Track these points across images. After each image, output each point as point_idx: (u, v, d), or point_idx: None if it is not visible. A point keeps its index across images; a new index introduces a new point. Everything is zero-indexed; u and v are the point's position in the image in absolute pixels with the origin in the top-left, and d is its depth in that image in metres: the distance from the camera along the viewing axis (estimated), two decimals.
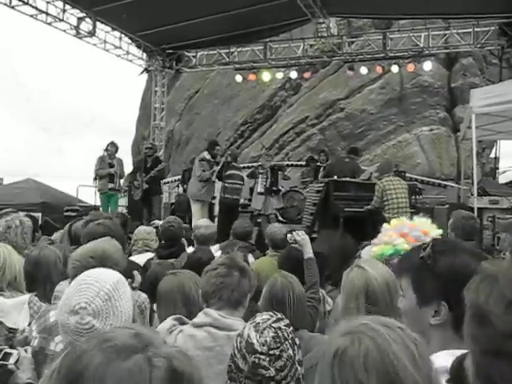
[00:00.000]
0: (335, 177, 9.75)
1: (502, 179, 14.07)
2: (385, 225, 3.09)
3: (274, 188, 10.30)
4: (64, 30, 12.17)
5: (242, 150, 19.63)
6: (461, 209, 6.27)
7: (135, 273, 2.93)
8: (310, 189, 9.89)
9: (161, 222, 6.38)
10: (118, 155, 11.24)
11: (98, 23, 12.63)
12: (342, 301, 2.45)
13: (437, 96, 18.38)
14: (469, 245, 1.63)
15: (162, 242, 5.21)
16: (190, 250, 5.20)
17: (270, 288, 2.80)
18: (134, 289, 2.35)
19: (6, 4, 10.69)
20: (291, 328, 1.82)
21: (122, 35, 13.76)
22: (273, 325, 1.77)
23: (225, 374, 1.81)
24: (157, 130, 15.47)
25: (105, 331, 0.98)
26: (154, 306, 3.34)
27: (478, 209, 7.94)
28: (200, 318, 2.31)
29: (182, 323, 2.37)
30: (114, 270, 1.94)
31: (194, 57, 15.19)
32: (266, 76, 14.22)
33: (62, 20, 11.84)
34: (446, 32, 13.17)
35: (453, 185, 15.44)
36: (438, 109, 18.40)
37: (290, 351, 1.73)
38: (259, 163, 10.72)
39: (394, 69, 13.35)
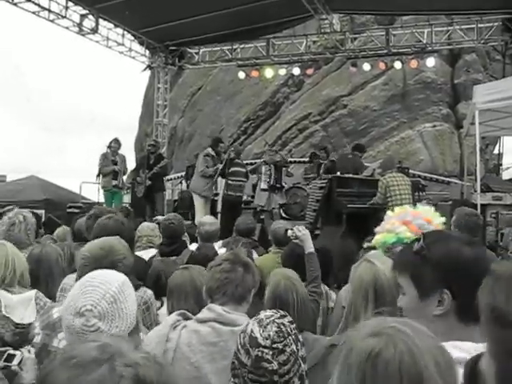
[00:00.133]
0: (338, 173, 9.75)
1: (506, 175, 14.07)
2: (388, 212, 3.08)
3: (278, 185, 10.32)
4: (67, 27, 12.19)
5: (245, 146, 19.63)
6: (464, 205, 6.27)
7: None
8: (312, 185, 9.88)
9: (162, 218, 6.38)
10: (120, 152, 11.27)
11: (100, 20, 12.64)
12: (350, 294, 2.45)
13: (440, 92, 18.35)
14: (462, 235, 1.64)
15: (164, 239, 5.21)
16: (193, 246, 5.20)
17: (274, 289, 2.79)
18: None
19: (8, 1, 10.70)
20: (294, 324, 1.83)
21: (125, 32, 13.77)
22: (276, 320, 1.78)
23: (229, 370, 1.81)
24: (159, 127, 15.48)
25: (71, 347, 0.96)
26: (157, 303, 3.36)
27: (482, 205, 7.94)
28: (204, 313, 2.32)
29: (186, 318, 2.37)
30: (118, 269, 1.95)
31: (196, 53, 15.18)
32: (268, 72, 14.21)
33: (64, 17, 11.85)
34: (449, 28, 13.13)
35: (456, 181, 15.43)
36: (441, 105, 18.37)
37: (294, 346, 1.74)
38: (262, 159, 10.71)
39: (397, 65, 13.31)
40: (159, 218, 7.06)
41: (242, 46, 14.54)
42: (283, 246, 4.62)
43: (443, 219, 2.87)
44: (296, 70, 14.41)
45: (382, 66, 13.53)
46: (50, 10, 11.50)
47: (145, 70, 15.38)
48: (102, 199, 11.30)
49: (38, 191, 13.18)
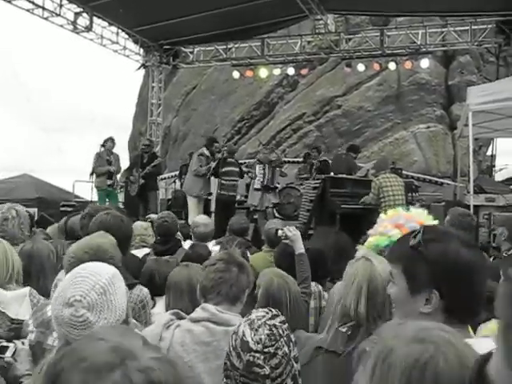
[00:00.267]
0: (331, 173, 9.76)
1: (499, 177, 14.10)
2: (381, 215, 3.08)
3: (271, 185, 10.32)
4: (61, 25, 12.14)
5: (239, 146, 19.61)
6: (457, 206, 6.28)
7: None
8: (306, 185, 9.89)
9: (156, 217, 6.37)
10: (114, 151, 11.23)
11: (94, 18, 12.61)
12: (342, 289, 2.44)
13: (434, 93, 18.41)
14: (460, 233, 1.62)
15: (158, 237, 5.20)
16: (187, 244, 5.20)
17: (267, 288, 2.79)
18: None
19: None
20: (287, 324, 1.82)
21: (119, 30, 13.74)
22: (268, 322, 1.76)
23: (222, 370, 1.81)
24: (154, 126, 15.45)
25: (80, 345, 0.94)
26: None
27: (474, 206, 7.97)
28: (197, 312, 2.31)
29: (180, 318, 2.37)
30: (109, 265, 1.94)
31: (191, 53, 15.16)
32: (263, 72, 14.21)
33: (58, 15, 11.81)
34: (444, 30, 13.17)
35: (449, 182, 15.47)
36: (435, 106, 18.42)
37: (286, 348, 1.73)
38: (257, 158, 10.71)
39: (392, 66, 13.35)
40: (152, 216, 7.03)
41: (236, 45, 14.53)
42: (276, 246, 4.62)
43: (436, 222, 2.87)
44: (290, 70, 14.42)
45: (376, 66, 13.56)
46: (44, 8, 11.47)
47: (139, 68, 15.35)
48: (95, 198, 11.26)
49: (30, 189, 13.12)
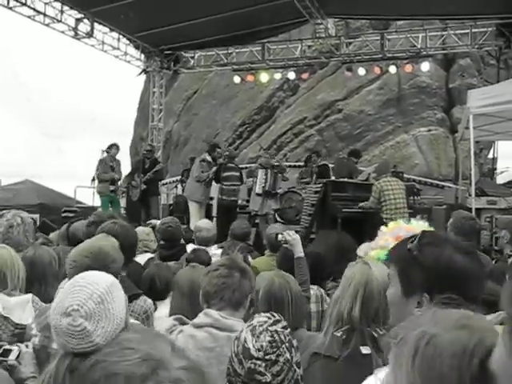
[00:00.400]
0: (333, 177, 9.77)
1: (500, 180, 14.13)
2: (382, 228, 3.08)
3: (273, 191, 10.29)
4: (62, 31, 12.17)
5: (241, 150, 19.64)
6: (460, 209, 6.28)
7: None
8: (308, 189, 9.89)
9: (158, 222, 6.38)
10: (117, 157, 11.26)
11: (95, 24, 12.64)
12: (338, 291, 2.45)
13: (435, 97, 18.41)
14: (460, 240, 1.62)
15: (162, 242, 5.21)
16: (188, 248, 5.21)
17: (268, 288, 2.79)
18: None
19: (3, 5, 10.69)
20: (288, 330, 1.81)
21: (120, 36, 13.76)
22: (269, 328, 1.76)
23: (225, 375, 1.81)
24: (155, 131, 15.47)
25: (112, 359, 0.93)
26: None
27: (476, 209, 7.96)
28: (200, 318, 2.32)
29: (183, 323, 2.37)
30: (108, 273, 1.94)
31: (192, 58, 15.18)
32: (264, 77, 14.23)
33: (59, 21, 11.85)
34: (444, 33, 13.18)
35: (451, 185, 15.46)
36: (436, 109, 18.42)
37: (287, 355, 1.72)
38: (259, 163, 10.70)
39: (392, 69, 13.36)
40: (153, 221, 7.04)
41: (237, 50, 14.55)
42: (277, 251, 4.62)
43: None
44: (291, 75, 14.44)
45: (376, 70, 13.57)
46: (45, 14, 11.50)
47: (140, 74, 15.38)
48: (96, 203, 11.27)
49: (32, 195, 13.13)
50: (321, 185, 9.18)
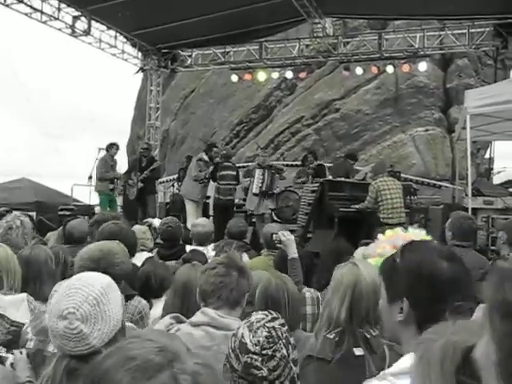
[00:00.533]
0: (330, 177, 9.77)
1: (497, 180, 14.11)
2: (379, 236, 3.09)
3: (270, 191, 10.28)
4: (59, 29, 12.14)
5: (238, 149, 19.64)
6: (457, 209, 6.29)
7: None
8: (305, 189, 9.89)
9: (154, 220, 6.38)
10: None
11: (93, 22, 12.60)
12: (328, 294, 2.45)
13: (432, 97, 18.43)
14: (448, 247, 1.58)
15: (161, 242, 5.21)
16: (187, 248, 5.21)
17: (265, 289, 2.79)
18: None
19: (0, 2, 10.66)
20: (286, 327, 1.82)
21: (118, 34, 13.73)
22: (267, 324, 1.77)
23: (221, 373, 1.81)
24: (152, 130, 15.45)
25: (128, 345, 0.94)
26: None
27: (473, 209, 7.97)
28: (198, 317, 2.31)
29: (180, 322, 2.37)
30: (114, 272, 1.96)
31: (189, 56, 15.16)
32: (261, 76, 14.22)
33: (57, 19, 11.81)
34: (441, 33, 13.19)
35: (447, 185, 15.48)
36: (433, 109, 18.44)
37: (284, 351, 1.72)
38: (256, 162, 10.69)
39: (390, 69, 13.36)
40: (150, 220, 7.04)
41: (234, 49, 14.54)
42: (274, 249, 4.62)
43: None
44: (289, 74, 14.43)
45: (374, 70, 13.57)
46: (42, 12, 11.46)
47: (137, 72, 15.35)
48: (93, 202, 11.25)
49: (29, 193, 13.09)
50: (318, 184, 9.19)
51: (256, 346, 1.70)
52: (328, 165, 11.44)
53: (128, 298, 2.88)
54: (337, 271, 2.47)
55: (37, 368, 2.12)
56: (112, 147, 11.10)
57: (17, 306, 2.76)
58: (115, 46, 13.90)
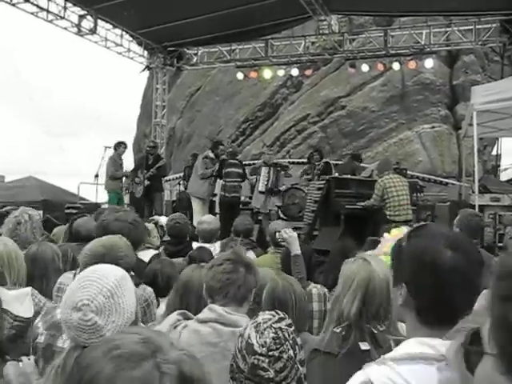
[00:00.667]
0: (336, 174, 9.77)
1: (504, 176, 14.07)
2: (385, 234, 3.09)
3: (276, 189, 10.29)
4: (65, 28, 12.18)
5: (244, 147, 19.65)
6: (464, 206, 6.28)
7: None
8: (311, 186, 9.89)
9: (161, 218, 6.39)
10: None
11: (99, 21, 12.64)
12: (339, 289, 2.44)
13: (438, 93, 18.37)
14: (459, 235, 1.54)
15: (168, 238, 5.22)
16: (194, 245, 5.21)
17: (272, 290, 2.78)
18: None
19: (7, 2, 10.70)
20: (293, 327, 1.82)
21: (123, 33, 13.77)
22: (273, 325, 1.77)
23: (229, 370, 1.81)
24: (158, 128, 15.47)
25: (113, 337, 0.97)
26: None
27: (480, 206, 7.95)
28: (205, 313, 2.32)
29: (187, 318, 2.37)
30: (119, 266, 1.96)
31: (195, 54, 15.18)
32: (267, 73, 14.21)
33: (63, 18, 11.85)
34: (448, 29, 13.14)
35: (454, 182, 15.44)
36: (440, 106, 18.38)
37: (291, 352, 1.72)
38: (262, 160, 10.69)
39: (396, 66, 13.32)
40: (156, 217, 7.05)
41: (240, 46, 14.53)
42: (281, 247, 4.63)
43: None
44: (294, 71, 14.40)
45: (380, 67, 13.53)
46: (48, 11, 11.50)
47: (143, 70, 15.38)
48: (100, 200, 11.29)
49: (36, 192, 13.15)
50: (324, 181, 9.18)
51: (263, 347, 1.70)
52: (334, 162, 11.43)
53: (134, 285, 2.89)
54: (346, 266, 2.45)
55: (46, 362, 2.14)
56: (120, 146, 11.17)
57: (21, 300, 2.78)
58: (121, 45, 13.94)
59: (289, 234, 3.94)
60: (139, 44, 14.47)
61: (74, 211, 10.60)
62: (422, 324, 1.38)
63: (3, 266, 2.86)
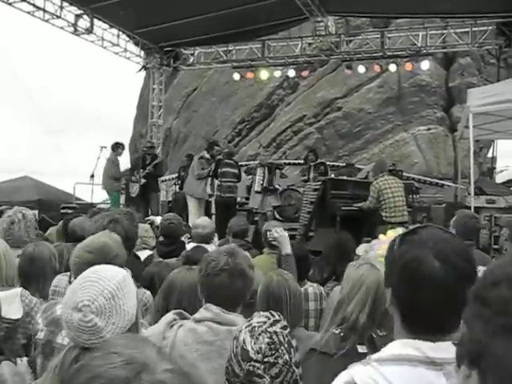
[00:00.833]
0: (332, 175, 9.77)
1: (499, 179, 14.13)
2: (381, 236, 3.07)
3: (271, 187, 10.31)
4: (62, 27, 12.16)
5: (240, 148, 19.64)
6: (459, 208, 6.29)
7: None
8: (307, 187, 9.90)
9: (156, 218, 6.38)
10: None
11: (95, 20, 12.62)
12: (345, 293, 2.42)
13: (434, 95, 18.41)
14: (453, 243, 1.46)
15: (162, 238, 5.19)
16: (188, 246, 5.19)
17: (266, 286, 2.78)
18: None
19: (3, 1, 10.67)
20: (288, 330, 1.81)
21: (120, 32, 13.75)
22: (268, 329, 1.75)
23: (224, 369, 1.81)
24: (154, 128, 15.46)
25: (93, 363, 0.92)
26: None
27: (475, 208, 7.96)
28: (201, 313, 2.31)
29: (183, 318, 2.36)
30: (117, 267, 1.96)
31: (191, 54, 15.17)
32: (263, 74, 14.22)
33: (59, 17, 11.83)
34: (444, 31, 13.18)
35: (450, 184, 15.47)
36: (436, 108, 18.42)
37: (286, 356, 1.71)
38: (258, 162, 10.71)
39: (392, 68, 13.35)
40: (152, 218, 7.05)
41: (237, 47, 14.54)
42: (275, 247, 4.61)
43: None
44: (291, 72, 14.41)
45: (376, 68, 13.56)
46: (44, 10, 11.48)
47: (140, 70, 15.37)
48: (95, 200, 11.27)
49: (31, 192, 13.11)
50: (320, 182, 9.19)
51: (258, 353, 1.69)
52: (330, 163, 11.45)
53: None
54: (352, 271, 2.43)
55: (45, 358, 2.14)
56: (118, 147, 11.19)
57: (9, 302, 2.75)
58: (118, 45, 13.92)
59: (279, 234, 3.93)
60: (136, 44, 14.46)
61: (70, 211, 10.58)
62: (407, 329, 1.37)
63: (4, 266, 2.85)
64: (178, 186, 12.76)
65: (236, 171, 10.16)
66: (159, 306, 2.68)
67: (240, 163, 11.27)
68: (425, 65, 13.11)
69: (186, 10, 11.89)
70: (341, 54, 13.96)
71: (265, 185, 10.23)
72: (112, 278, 1.77)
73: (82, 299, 1.69)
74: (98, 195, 11.55)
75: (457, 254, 1.35)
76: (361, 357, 2.17)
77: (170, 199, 13.43)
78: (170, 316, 2.37)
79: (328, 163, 11.85)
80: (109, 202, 11.80)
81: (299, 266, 3.83)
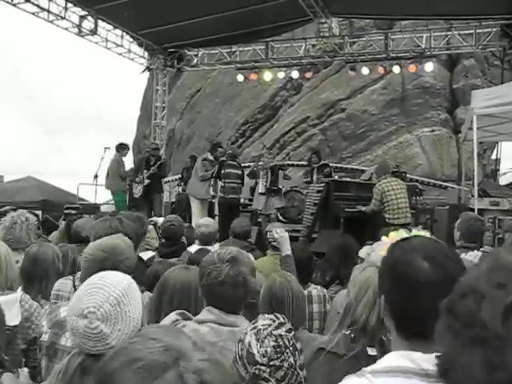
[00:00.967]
0: (336, 177, 9.77)
1: (503, 181, 14.10)
2: (383, 238, 3.07)
3: (274, 187, 10.29)
4: (66, 28, 12.18)
5: (243, 149, 19.65)
6: (461, 210, 6.27)
7: None
8: (310, 189, 9.89)
9: (159, 219, 6.37)
10: None
11: (99, 21, 12.64)
12: (352, 297, 2.40)
13: (438, 97, 18.39)
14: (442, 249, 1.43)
15: (163, 240, 5.20)
16: (192, 248, 5.18)
17: (269, 288, 2.77)
18: None
19: (8, 2, 10.70)
20: (293, 333, 1.81)
21: (124, 33, 13.77)
22: (273, 332, 1.76)
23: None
24: (158, 129, 15.47)
25: (133, 347, 0.94)
26: None
27: (479, 210, 7.93)
28: (203, 314, 2.30)
29: (186, 318, 2.36)
30: (119, 269, 1.95)
31: (195, 56, 15.18)
32: (267, 76, 14.22)
33: (63, 18, 11.84)
34: (448, 33, 13.16)
35: (453, 186, 15.45)
36: (440, 110, 18.40)
37: (291, 359, 1.72)
38: (260, 163, 10.69)
39: (396, 69, 13.34)
40: (155, 219, 7.04)
41: (240, 48, 14.55)
42: (278, 249, 4.60)
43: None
44: (295, 74, 14.42)
45: (380, 70, 13.55)
46: (49, 11, 11.49)
47: (143, 71, 15.37)
48: (98, 201, 11.29)
49: (35, 192, 13.15)
50: (323, 184, 9.18)
51: (264, 357, 1.70)
52: (333, 165, 11.44)
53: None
54: (358, 274, 2.41)
55: (49, 362, 2.15)
56: (124, 149, 11.21)
57: (9, 307, 2.73)
58: (122, 46, 13.94)
59: (280, 234, 3.92)
60: (140, 45, 14.48)
61: (73, 212, 10.60)
62: (401, 336, 1.36)
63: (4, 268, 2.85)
64: (181, 187, 12.77)
65: (239, 172, 10.15)
66: (152, 306, 2.68)
67: (243, 165, 11.26)
68: (429, 66, 13.09)
69: (190, 11, 11.89)
70: (344, 55, 13.96)
71: (268, 186, 10.21)
72: (117, 284, 1.76)
73: (88, 306, 1.69)
74: (102, 196, 11.57)
75: (445, 256, 1.36)
76: (370, 359, 2.15)
77: (174, 200, 13.44)
78: (172, 316, 2.37)
79: (331, 164, 11.85)
80: (112, 202, 11.80)
81: (302, 268, 3.82)
